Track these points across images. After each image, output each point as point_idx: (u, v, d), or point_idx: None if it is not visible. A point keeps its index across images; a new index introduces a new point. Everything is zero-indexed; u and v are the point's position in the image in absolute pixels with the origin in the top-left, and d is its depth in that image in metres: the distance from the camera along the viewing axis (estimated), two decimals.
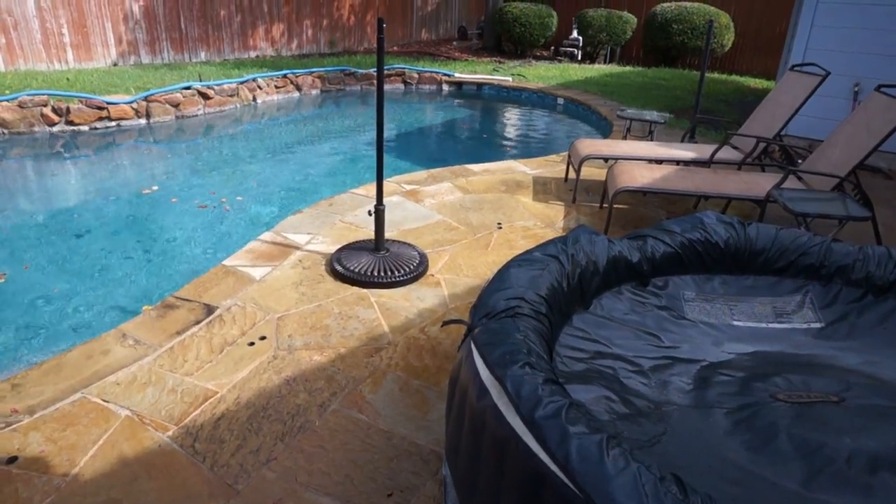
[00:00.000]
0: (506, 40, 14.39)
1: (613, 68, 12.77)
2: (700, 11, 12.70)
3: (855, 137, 3.97)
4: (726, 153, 4.78)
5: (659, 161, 4.77)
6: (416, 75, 10.85)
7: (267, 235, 3.90)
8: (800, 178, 4.21)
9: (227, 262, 3.51)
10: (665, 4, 13.24)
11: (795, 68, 4.90)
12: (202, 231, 4.62)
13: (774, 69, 9.32)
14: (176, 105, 8.02)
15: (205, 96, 8.38)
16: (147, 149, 7.08)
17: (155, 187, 5.54)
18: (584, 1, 15.14)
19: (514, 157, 6.37)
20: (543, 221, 4.32)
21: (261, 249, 3.69)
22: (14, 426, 2.24)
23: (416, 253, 3.61)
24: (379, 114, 3.29)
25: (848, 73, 6.14)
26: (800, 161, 4.68)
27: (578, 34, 13.98)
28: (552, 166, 5.64)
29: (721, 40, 12.61)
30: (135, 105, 7.62)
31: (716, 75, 12.18)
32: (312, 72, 10.19)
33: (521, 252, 2.32)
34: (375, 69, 10.29)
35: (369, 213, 3.50)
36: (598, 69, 12.48)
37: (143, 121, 7.70)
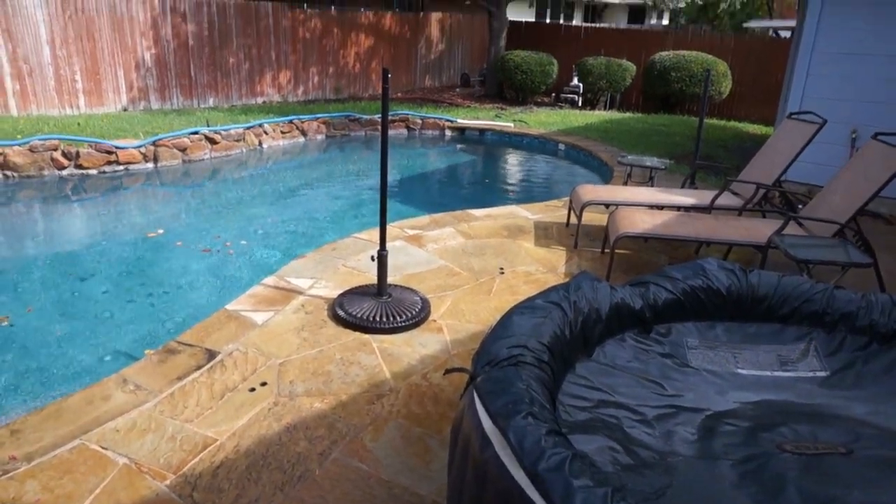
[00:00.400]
0: (507, 87, 14.70)
1: (614, 114, 13.00)
2: (697, 60, 13.00)
3: (854, 184, 4.01)
4: (726, 199, 4.82)
5: (660, 207, 4.82)
6: (419, 121, 11.06)
7: (270, 280, 3.91)
8: (800, 224, 4.23)
9: (229, 307, 3.51)
10: (663, 53, 13.57)
11: (793, 116, 4.98)
12: (205, 275, 4.64)
13: (772, 115, 9.47)
14: (183, 149, 8.16)
15: (212, 141, 8.54)
16: (154, 192, 7.17)
17: (160, 231, 5.59)
18: (584, 49, 15.52)
19: (515, 202, 6.43)
20: (545, 267, 4.33)
21: (263, 294, 3.70)
22: (11, 474, 2.21)
23: (418, 298, 3.62)
24: (383, 162, 3.35)
25: (845, 120, 6.24)
26: (800, 207, 4.71)
27: (579, 81, 14.28)
28: (554, 211, 5.69)
29: (719, 87, 12.87)
30: (143, 149, 7.76)
31: (714, 121, 12.38)
32: (318, 117, 10.39)
33: (523, 298, 2.32)
34: (379, 115, 10.48)
35: (372, 259, 3.52)
36: (599, 115, 12.70)
37: (150, 165, 7.83)
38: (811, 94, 6.55)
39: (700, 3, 21.92)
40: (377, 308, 3.42)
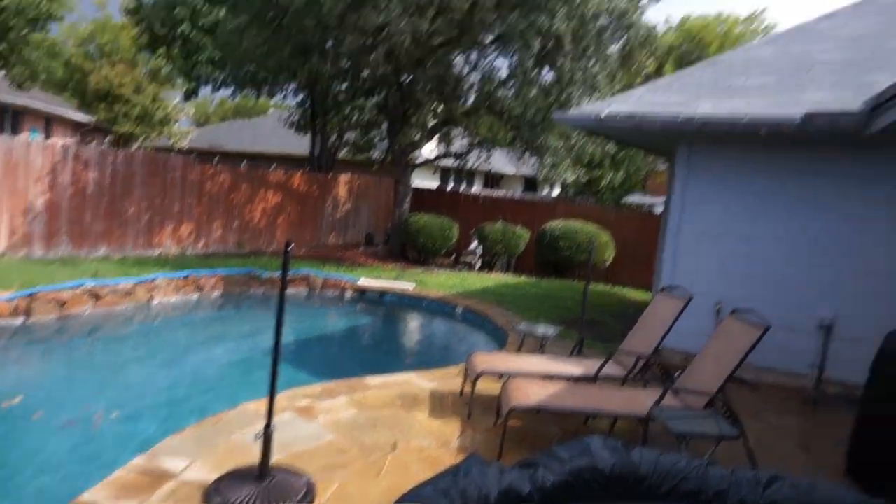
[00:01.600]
0: (410, 248, 15.28)
1: (510, 278, 13.69)
2: (584, 230, 14.23)
3: (720, 356, 4.36)
4: (611, 369, 5.06)
5: (550, 377, 4.96)
6: (320, 281, 11.07)
7: (139, 460, 3.55)
8: (677, 394, 4.47)
9: (84, 498, 3.12)
10: (553, 222, 14.78)
11: (664, 290, 5.47)
12: (65, 455, 4.15)
13: (651, 282, 10.33)
14: (62, 304, 7.64)
15: (96, 296, 8.07)
16: (18, 353, 6.54)
17: (18, 398, 5.03)
18: (482, 214, 16.62)
19: (412, 366, 6.41)
20: (439, 440, 4.25)
21: (127, 479, 3.33)
22: None
23: (302, 482, 3.39)
24: (277, 337, 3.30)
25: (710, 292, 6.89)
26: (676, 374, 5.01)
27: (478, 245, 15.12)
28: (449, 379, 5.71)
29: (603, 255, 14.02)
30: (15, 302, 7.18)
31: (601, 286, 13.30)
32: (216, 273, 10.18)
33: (414, 479, 2.25)
34: (280, 272, 10.44)
35: (256, 438, 3.32)
36: (496, 278, 13.33)
37: (19, 320, 7.21)
38: (681, 267, 7.23)
39: (584, 180, 24.44)
40: (257, 495, 3.16)
